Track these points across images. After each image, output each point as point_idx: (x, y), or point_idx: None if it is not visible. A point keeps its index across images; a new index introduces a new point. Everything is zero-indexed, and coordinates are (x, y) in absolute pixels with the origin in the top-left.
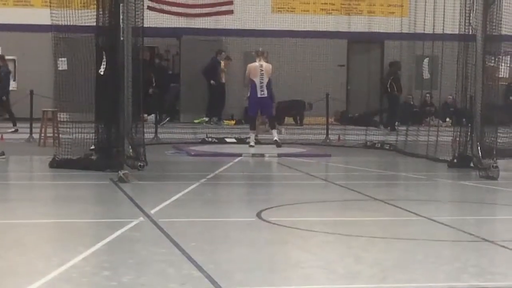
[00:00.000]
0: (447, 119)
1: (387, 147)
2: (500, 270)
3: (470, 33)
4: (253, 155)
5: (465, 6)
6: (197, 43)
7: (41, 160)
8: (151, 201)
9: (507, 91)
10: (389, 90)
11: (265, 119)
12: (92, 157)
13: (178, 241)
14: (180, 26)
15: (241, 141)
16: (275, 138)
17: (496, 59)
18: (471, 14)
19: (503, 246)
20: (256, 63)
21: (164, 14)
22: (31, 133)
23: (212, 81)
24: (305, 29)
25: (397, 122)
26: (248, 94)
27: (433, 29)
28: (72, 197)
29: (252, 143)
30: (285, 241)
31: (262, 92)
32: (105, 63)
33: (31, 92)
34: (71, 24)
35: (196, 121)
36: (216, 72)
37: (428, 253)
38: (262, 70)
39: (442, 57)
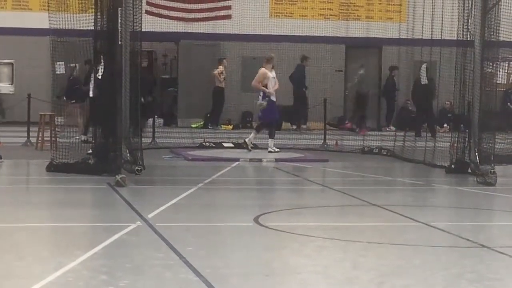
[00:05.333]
0: (445, 125)
1: (384, 153)
2: (497, 276)
3: (468, 39)
4: (251, 160)
5: (463, 12)
6: (195, 48)
7: (38, 164)
8: (149, 205)
9: (505, 97)
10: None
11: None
12: (90, 161)
13: (175, 246)
14: (178, 30)
15: (238, 146)
16: (270, 148)
17: (494, 65)
18: (469, 20)
19: (501, 252)
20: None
21: (162, 19)
22: (28, 136)
23: (304, 88)
24: (303, 34)
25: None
26: (264, 101)
27: (431, 34)
28: (69, 201)
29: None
30: (282, 246)
31: (274, 98)
32: (103, 67)
33: (29, 96)
34: (69, 28)
35: (193, 125)
36: (304, 78)
37: (426, 258)
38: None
39: (440, 62)
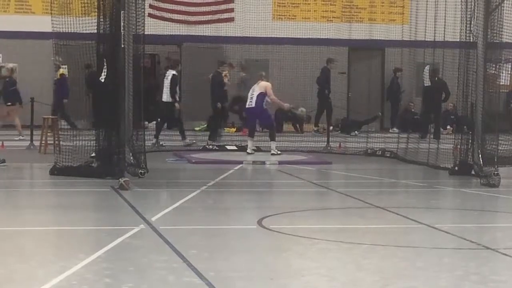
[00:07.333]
0: (448, 127)
1: (388, 155)
2: (501, 278)
3: (471, 40)
4: (254, 162)
5: (466, 13)
6: (198, 51)
7: (41, 168)
8: (152, 208)
9: (508, 98)
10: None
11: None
12: (93, 164)
13: (178, 249)
14: (181, 33)
15: (242, 148)
16: (272, 151)
17: (497, 66)
18: (472, 22)
19: (505, 254)
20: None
21: (165, 22)
22: (31, 140)
23: (326, 91)
24: (306, 37)
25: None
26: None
27: (434, 36)
28: (73, 205)
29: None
30: (286, 248)
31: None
32: (106, 70)
33: (32, 99)
34: (72, 31)
35: (196, 128)
36: (328, 80)
37: (429, 260)
38: None
39: (443, 64)
